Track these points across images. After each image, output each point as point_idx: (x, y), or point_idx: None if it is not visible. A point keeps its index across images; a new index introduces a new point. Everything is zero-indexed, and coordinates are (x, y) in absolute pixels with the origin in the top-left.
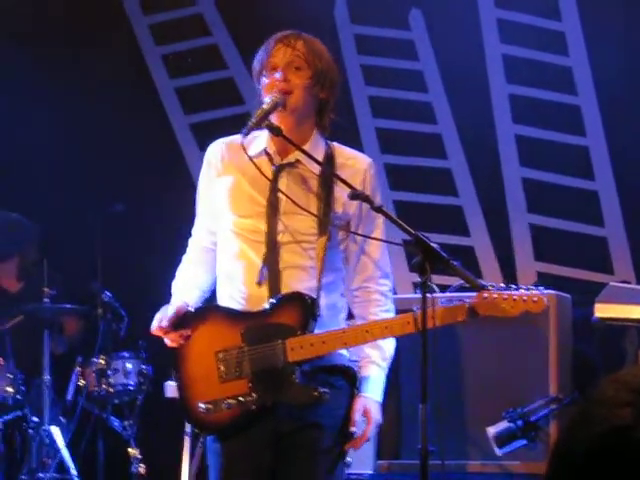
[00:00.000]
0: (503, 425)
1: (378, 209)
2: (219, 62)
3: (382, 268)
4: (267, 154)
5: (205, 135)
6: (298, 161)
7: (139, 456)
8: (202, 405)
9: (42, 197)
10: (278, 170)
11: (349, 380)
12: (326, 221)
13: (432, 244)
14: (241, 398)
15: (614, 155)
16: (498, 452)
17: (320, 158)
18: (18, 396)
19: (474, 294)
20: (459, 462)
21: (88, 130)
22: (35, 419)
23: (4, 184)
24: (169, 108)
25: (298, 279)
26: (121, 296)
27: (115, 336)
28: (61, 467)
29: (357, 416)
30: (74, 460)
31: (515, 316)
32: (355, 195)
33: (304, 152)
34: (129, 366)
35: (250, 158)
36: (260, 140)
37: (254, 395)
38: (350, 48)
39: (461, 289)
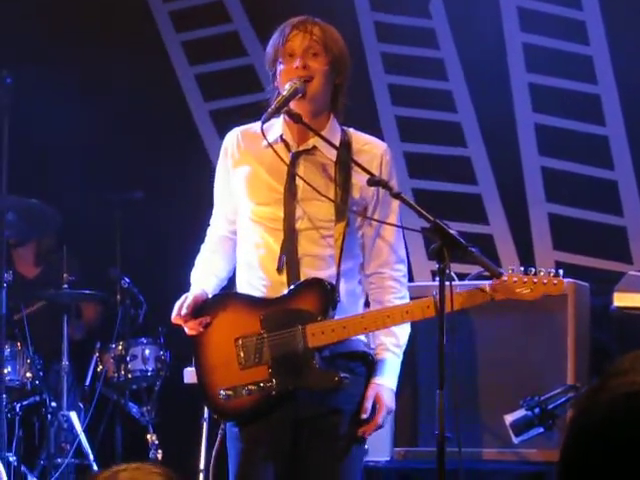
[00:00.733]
0: (520, 413)
1: (397, 195)
2: (239, 49)
3: (397, 252)
4: (283, 141)
5: (225, 122)
6: (315, 147)
7: (157, 442)
8: (222, 392)
9: (61, 184)
10: (295, 157)
11: (368, 367)
12: (344, 207)
13: (451, 230)
14: (261, 384)
15: (633, 144)
16: (515, 440)
17: (337, 144)
18: (36, 381)
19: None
20: (475, 450)
21: (107, 117)
22: (53, 404)
23: (24, 171)
24: (189, 95)
25: (317, 267)
26: (140, 282)
27: (133, 322)
28: (79, 452)
29: (368, 403)
30: (92, 445)
31: (535, 299)
32: (375, 181)
33: (323, 138)
34: (147, 352)
35: (269, 144)
36: (276, 127)
37: (274, 381)
38: (370, 36)
39: (480, 277)
